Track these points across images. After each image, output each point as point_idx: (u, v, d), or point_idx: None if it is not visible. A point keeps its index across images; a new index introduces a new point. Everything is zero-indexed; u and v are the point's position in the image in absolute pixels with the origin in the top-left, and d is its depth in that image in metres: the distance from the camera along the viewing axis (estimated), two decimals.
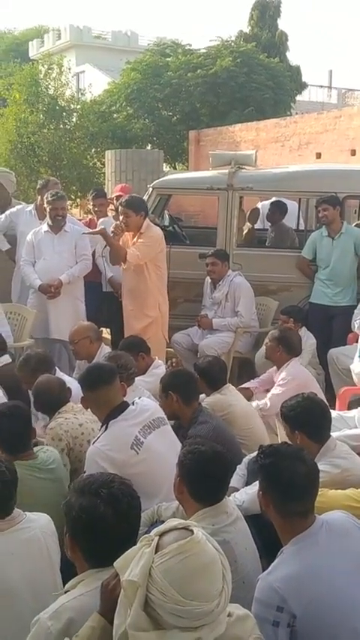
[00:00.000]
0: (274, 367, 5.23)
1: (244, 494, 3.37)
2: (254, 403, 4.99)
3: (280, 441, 4.51)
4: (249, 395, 5.15)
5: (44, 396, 3.96)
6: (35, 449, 3.45)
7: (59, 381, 4.09)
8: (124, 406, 3.53)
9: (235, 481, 3.55)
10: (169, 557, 1.84)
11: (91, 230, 6.08)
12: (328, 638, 2.21)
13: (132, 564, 1.88)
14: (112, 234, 5.96)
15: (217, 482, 2.78)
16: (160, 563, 1.84)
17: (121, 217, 5.96)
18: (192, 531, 1.93)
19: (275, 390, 4.96)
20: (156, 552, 1.87)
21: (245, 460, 3.80)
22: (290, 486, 2.45)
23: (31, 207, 6.94)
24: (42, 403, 4.01)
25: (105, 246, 6.37)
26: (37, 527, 2.61)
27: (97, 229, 6.06)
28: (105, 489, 2.26)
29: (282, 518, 2.47)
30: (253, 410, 4.79)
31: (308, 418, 3.41)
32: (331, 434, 3.57)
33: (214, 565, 1.91)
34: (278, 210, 8.32)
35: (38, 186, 7.03)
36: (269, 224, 8.63)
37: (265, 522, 2.64)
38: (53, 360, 4.70)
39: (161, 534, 1.92)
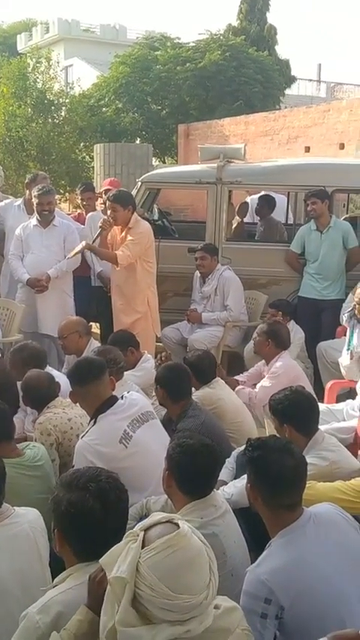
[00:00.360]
0: (263, 361, 5.24)
1: (232, 487, 3.38)
2: (246, 390, 4.98)
3: (267, 434, 4.54)
4: (234, 384, 5.15)
5: (33, 392, 3.96)
6: (22, 445, 3.44)
7: (48, 376, 4.08)
8: (113, 400, 3.54)
9: (223, 474, 3.57)
10: (156, 552, 1.84)
11: (76, 249, 5.97)
12: (315, 629, 2.22)
13: (119, 560, 1.88)
14: (99, 229, 5.95)
15: (206, 475, 2.79)
16: (147, 559, 1.84)
17: (108, 212, 5.95)
18: (177, 525, 1.94)
19: (265, 382, 4.98)
20: (142, 547, 1.87)
21: (234, 454, 3.82)
22: (278, 479, 2.46)
23: (19, 201, 6.91)
24: (31, 398, 4.00)
25: (94, 241, 6.36)
26: (25, 521, 2.60)
27: (80, 246, 5.93)
28: (93, 483, 2.26)
29: (270, 511, 2.48)
30: (242, 404, 4.80)
31: (296, 411, 3.42)
32: (320, 427, 3.58)
33: (201, 557, 1.91)
34: (267, 204, 8.33)
35: (27, 181, 7.00)
36: (258, 218, 8.64)
37: (254, 515, 2.66)
38: (46, 357, 4.68)
39: (146, 529, 1.93)
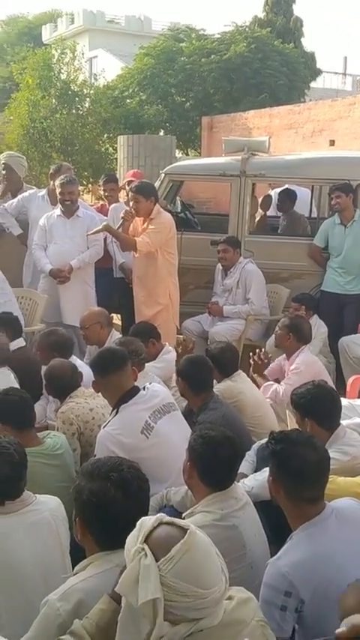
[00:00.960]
0: (283, 355, 5.21)
1: (253, 480, 3.38)
2: (273, 386, 4.95)
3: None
4: (261, 383, 5.07)
5: (56, 381, 3.99)
6: (42, 434, 3.46)
7: (72, 366, 4.11)
8: (135, 391, 3.55)
9: (244, 467, 3.56)
10: (177, 559, 1.81)
11: (96, 229, 5.99)
12: (334, 624, 2.22)
13: (140, 582, 1.81)
14: (121, 220, 5.96)
15: (227, 467, 2.79)
16: (170, 569, 1.80)
17: (130, 203, 5.95)
18: (172, 523, 1.91)
19: (288, 381, 4.94)
20: (157, 559, 1.82)
21: (255, 447, 3.81)
22: (301, 473, 2.46)
23: (43, 192, 6.94)
24: (54, 387, 4.03)
25: None
26: (46, 509, 2.63)
27: (100, 227, 5.97)
28: (115, 473, 2.27)
29: (292, 504, 2.47)
30: (264, 398, 4.79)
31: (318, 405, 3.41)
32: (341, 422, 3.56)
33: (211, 545, 1.92)
34: (288, 198, 8.26)
35: (51, 171, 7.03)
36: (280, 213, 8.59)
37: (274, 508, 2.65)
38: (72, 346, 4.69)
39: (146, 538, 1.88)
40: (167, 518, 1.94)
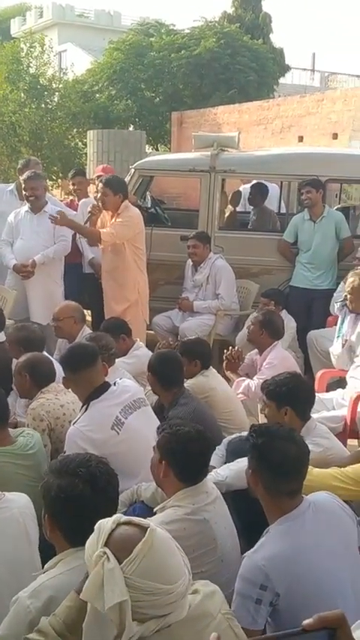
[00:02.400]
0: (254, 351, 5.24)
1: (227, 469, 3.39)
2: (246, 381, 4.98)
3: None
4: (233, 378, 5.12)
5: (43, 368, 3.91)
6: (16, 431, 3.43)
7: (49, 360, 4.09)
8: (105, 387, 3.54)
9: (214, 461, 3.57)
10: (140, 559, 1.80)
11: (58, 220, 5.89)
12: (307, 618, 2.24)
13: (105, 587, 1.79)
14: (89, 214, 5.93)
15: (200, 461, 2.81)
16: (134, 570, 1.79)
17: (98, 196, 5.93)
18: (130, 522, 1.90)
19: (261, 375, 4.95)
20: (120, 562, 1.81)
21: (225, 441, 3.83)
22: (281, 466, 2.47)
23: (12, 186, 6.88)
24: (40, 375, 3.91)
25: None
26: (15, 507, 2.61)
27: (59, 217, 5.81)
28: (83, 468, 2.27)
29: (271, 497, 2.49)
30: (234, 393, 4.81)
31: (299, 394, 3.43)
32: (311, 415, 3.60)
33: (170, 540, 1.92)
34: (259, 192, 8.31)
35: (19, 166, 6.96)
36: (251, 207, 8.62)
37: (245, 502, 2.67)
38: (43, 345, 4.65)
39: (106, 541, 1.86)
40: (125, 518, 1.92)
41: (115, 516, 1.94)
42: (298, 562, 2.32)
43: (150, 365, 4.11)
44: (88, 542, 1.91)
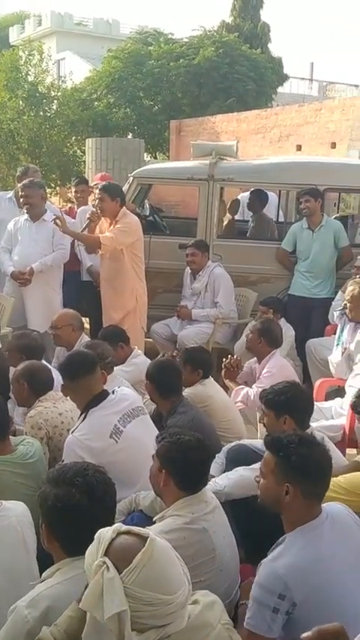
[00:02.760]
0: (253, 359, 5.23)
1: (225, 479, 3.38)
2: (245, 389, 4.97)
3: (258, 434, 4.55)
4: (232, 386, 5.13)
5: (40, 376, 3.91)
6: (16, 439, 3.42)
7: (47, 368, 4.08)
8: (104, 395, 3.54)
9: (213, 469, 3.57)
10: (139, 569, 1.80)
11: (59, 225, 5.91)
12: None
13: (105, 596, 1.79)
14: (87, 221, 5.94)
15: (200, 470, 2.80)
16: (134, 580, 1.79)
17: (96, 202, 5.94)
18: (129, 532, 1.90)
19: (260, 384, 4.95)
20: (119, 572, 1.81)
21: (224, 449, 3.83)
22: (320, 471, 2.50)
23: (10, 194, 6.87)
24: (37, 384, 3.92)
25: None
26: (13, 515, 2.60)
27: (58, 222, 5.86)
28: (80, 478, 2.26)
29: (306, 502, 2.46)
30: (232, 402, 4.80)
31: (298, 403, 3.43)
32: (310, 424, 3.60)
33: (171, 550, 1.92)
34: (258, 199, 8.32)
35: (18, 174, 6.97)
36: (250, 214, 8.64)
37: (244, 511, 2.65)
38: (42, 352, 4.65)
39: (106, 551, 1.86)
40: (125, 528, 1.93)
41: (115, 526, 1.94)
42: (318, 572, 2.31)
43: (148, 373, 4.11)
44: (87, 551, 1.91)
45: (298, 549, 2.37)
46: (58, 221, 5.81)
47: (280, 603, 2.26)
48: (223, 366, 5.11)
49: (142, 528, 1.96)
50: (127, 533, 1.90)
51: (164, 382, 4.05)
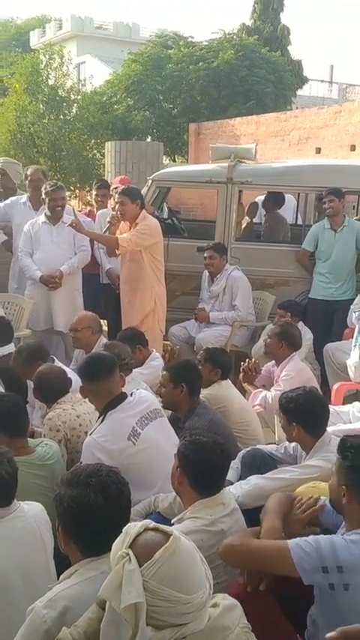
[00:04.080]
0: (271, 362, 5.23)
1: (239, 488, 3.38)
2: (263, 392, 4.98)
3: (276, 437, 4.55)
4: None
5: (46, 384, 3.96)
6: (35, 441, 3.44)
7: (61, 370, 4.10)
8: (122, 397, 3.55)
9: (229, 474, 3.57)
10: (160, 564, 1.82)
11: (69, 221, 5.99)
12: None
13: (123, 587, 1.82)
14: (108, 224, 5.97)
15: (217, 473, 2.81)
16: (153, 574, 1.81)
17: (116, 206, 5.97)
18: (157, 529, 1.92)
19: (278, 387, 4.95)
20: (140, 565, 1.83)
21: (240, 454, 3.82)
22: None
23: (24, 198, 6.85)
24: (44, 391, 3.99)
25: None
26: (31, 516, 2.62)
27: (71, 219, 5.95)
28: (94, 478, 2.28)
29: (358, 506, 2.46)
30: (248, 404, 4.80)
31: (307, 412, 3.42)
32: (327, 428, 3.59)
33: (195, 550, 1.93)
34: (273, 198, 8.29)
35: (30, 177, 6.94)
36: (264, 212, 8.60)
37: (257, 521, 2.65)
38: (47, 350, 4.70)
39: (131, 545, 1.89)
40: (153, 524, 1.94)
41: (144, 521, 1.97)
42: None
43: (179, 374, 4.08)
44: (114, 543, 1.94)
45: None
46: (74, 225, 5.86)
47: (333, 569, 2.28)
48: (241, 370, 5.11)
49: (169, 527, 1.98)
50: (155, 530, 1.93)
51: (195, 382, 4.07)
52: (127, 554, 1.85)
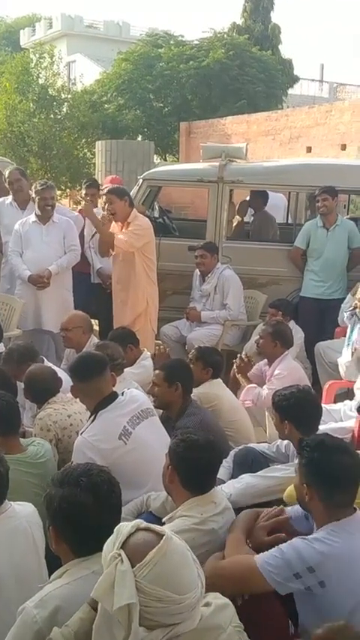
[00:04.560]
0: (263, 361, 5.23)
1: (231, 487, 3.38)
2: (256, 389, 4.98)
3: (267, 436, 4.55)
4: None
5: (37, 385, 3.95)
6: (26, 441, 3.44)
7: (51, 371, 4.09)
8: (113, 396, 3.54)
9: (221, 473, 3.56)
10: (152, 564, 1.82)
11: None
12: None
13: (116, 587, 1.83)
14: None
15: (208, 471, 2.81)
16: (146, 575, 1.82)
17: (106, 206, 5.96)
18: (148, 529, 1.92)
19: (271, 385, 4.95)
20: (132, 565, 1.83)
21: (232, 453, 3.83)
22: (338, 479, 2.47)
23: (10, 199, 6.76)
24: (34, 391, 3.99)
25: (92, 237, 6.37)
26: (22, 516, 2.61)
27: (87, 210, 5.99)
28: (84, 478, 2.28)
29: (326, 510, 2.47)
30: (239, 403, 4.80)
31: (301, 410, 3.43)
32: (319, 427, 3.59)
33: (187, 550, 1.93)
34: (260, 196, 8.29)
35: (10, 177, 6.86)
36: (252, 211, 8.60)
37: None
38: (37, 350, 4.69)
39: (123, 544, 1.89)
40: (144, 524, 1.95)
41: (135, 521, 1.98)
42: (350, 564, 2.32)
43: (174, 374, 4.08)
44: (106, 544, 1.94)
45: (333, 537, 2.37)
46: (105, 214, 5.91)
47: (306, 574, 2.29)
48: (235, 362, 5.11)
49: (161, 527, 1.98)
50: (146, 529, 1.93)
51: (189, 381, 4.08)
52: (119, 555, 1.86)
